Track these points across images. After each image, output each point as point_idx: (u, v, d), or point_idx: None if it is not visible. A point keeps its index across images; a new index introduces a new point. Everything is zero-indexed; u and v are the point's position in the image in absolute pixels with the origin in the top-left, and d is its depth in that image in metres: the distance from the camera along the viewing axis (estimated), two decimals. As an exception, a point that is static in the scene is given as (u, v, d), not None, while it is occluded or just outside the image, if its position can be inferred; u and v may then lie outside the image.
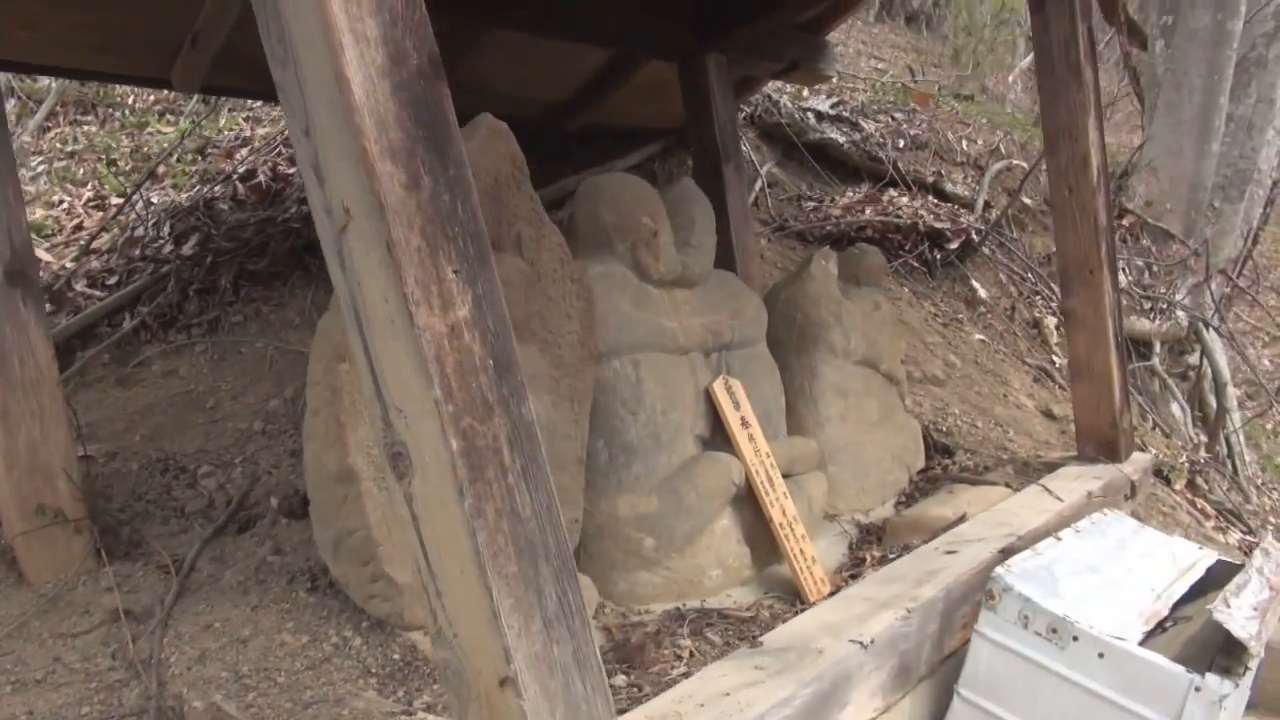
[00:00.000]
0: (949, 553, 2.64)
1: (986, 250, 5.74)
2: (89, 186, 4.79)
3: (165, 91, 5.77)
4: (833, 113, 6.15)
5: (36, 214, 4.51)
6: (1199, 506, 4.71)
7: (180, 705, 1.91)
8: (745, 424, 2.94)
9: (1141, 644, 2.15)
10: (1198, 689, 1.94)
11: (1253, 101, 7.00)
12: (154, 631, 2.13)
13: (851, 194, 5.66)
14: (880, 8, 14.71)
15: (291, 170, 4.58)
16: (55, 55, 3.59)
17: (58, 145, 5.36)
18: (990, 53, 12.14)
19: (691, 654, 2.37)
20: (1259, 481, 7.02)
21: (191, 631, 2.15)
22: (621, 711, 1.82)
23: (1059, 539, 2.55)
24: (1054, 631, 2.12)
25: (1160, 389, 6.47)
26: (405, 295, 1.32)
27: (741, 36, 4.31)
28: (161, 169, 4.84)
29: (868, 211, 5.40)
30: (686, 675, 2.00)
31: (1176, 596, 2.45)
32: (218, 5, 3.23)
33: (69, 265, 4.06)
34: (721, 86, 4.38)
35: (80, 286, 3.89)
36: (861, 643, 2.04)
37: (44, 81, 5.81)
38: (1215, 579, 2.53)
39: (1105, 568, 2.47)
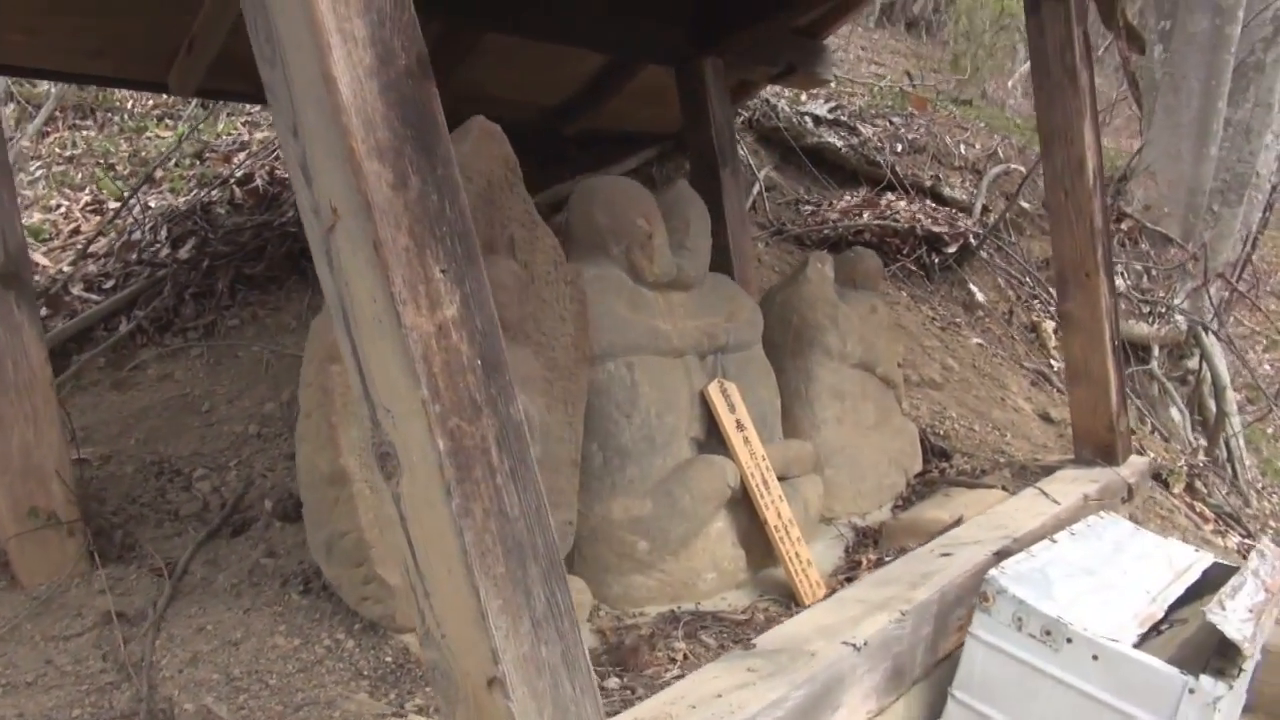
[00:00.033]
0: (944, 555, 2.63)
1: (984, 254, 5.74)
2: (87, 191, 4.80)
3: (164, 96, 5.78)
4: (830, 117, 6.16)
5: (34, 218, 4.51)
6: (1198, 510, 4.70)
7: (171, 708, 1.90)
8: (740, 427, 2.94)
9: (1136, 646, 2.15)
10: (1192, 691, 1.93)
11: (1251, 106, 7.01)
12: (146, 634, 2.13)
13: (849, 198, 5.66)
14: (880, 13, 14.74)
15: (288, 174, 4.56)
16: (52, 59, 3.60)
17: (56, 150, 5.36)
18: (989, 58, 12.15)
19: (685, 657, 2.36)
20: (1259, 486, 7.01)
21: (184, 634, 2.15)
22: (613, 713, 1.81)
23: (1054, 541, 2.54)
24: (1048, 633, 2.11)
25: (1159, 393, 6.46)
26: (392, 295, 1.32)
27: (738, 41, 4.32)
28: (159, 173, 4.85)
29: (865, 215, 5.40)
30: (680, 678, 1.99)
31: (1172, 599, 2.44)
32: (214, 9, 3.24)
33: (66, 269, 4.06)
34: (718, 91, 4.38)
35: (77, 290, 3.89)
36: (854, 645, 2.03)
37: (43, 86, 5.82)
38: (1212, 582, 2.52)
39: (1100, 570, 2.46)
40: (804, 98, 6.32)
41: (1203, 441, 6.59)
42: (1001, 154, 6.72)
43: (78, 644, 2.14)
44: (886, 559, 2.91)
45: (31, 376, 2.42)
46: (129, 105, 5.80)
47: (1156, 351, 6.33)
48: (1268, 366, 9.98)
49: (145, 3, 3.20)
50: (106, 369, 3.56)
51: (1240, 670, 1.98)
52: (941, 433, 4.04)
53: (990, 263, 5.76)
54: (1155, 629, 2.36)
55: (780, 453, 3.09)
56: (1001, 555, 2.54)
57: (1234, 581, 2.34)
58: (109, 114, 5.64)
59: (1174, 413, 6.43)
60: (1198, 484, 5.01)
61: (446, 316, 1.38)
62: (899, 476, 3.72)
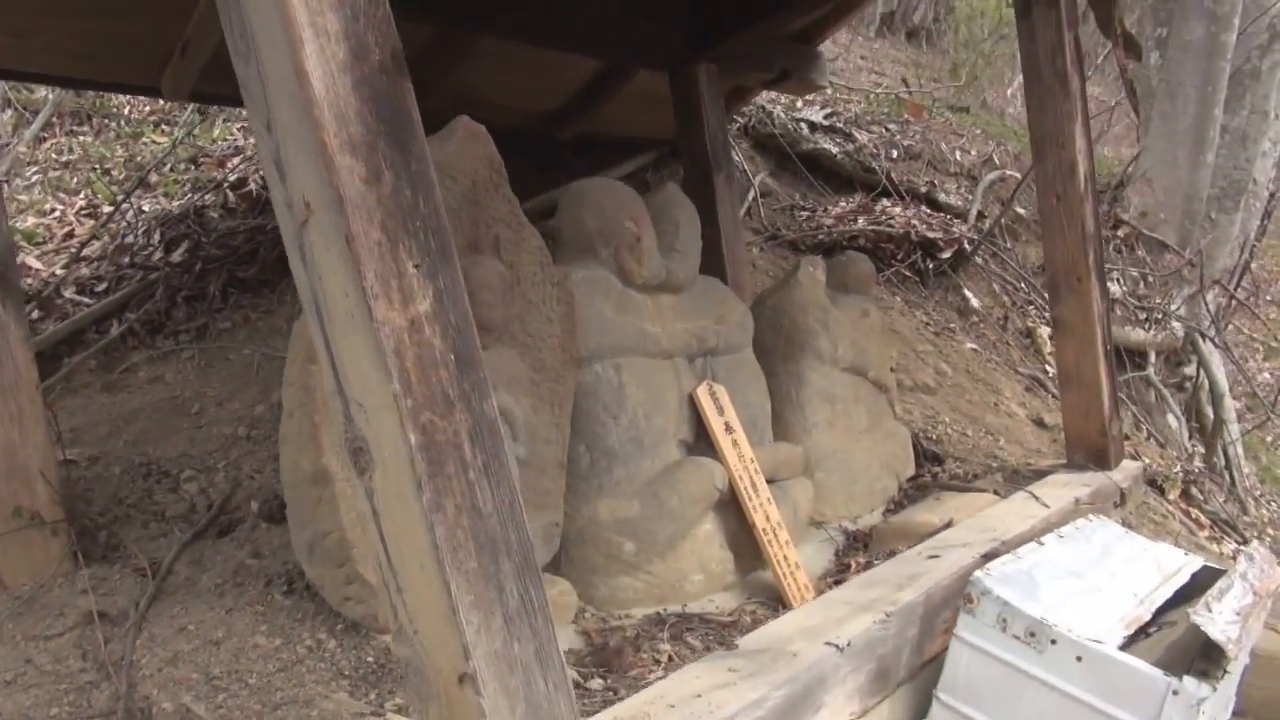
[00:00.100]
0: (931, 558, 2.63)
1: (979, 260, 5.74)
2: (81, 195, 4.81)
3: (161, 102, 5.80)
4: (826, 123, 6.16)
5: (28, 222, 4.53)
6: (1193, 516, 4.69)
7: (149, 706, 1.89)
8: (729, 429, 2.93)
9: (1122, 648, 2.13)
10: (1175, 692, 1.92)
11: (1247, 113, 7.02)
12: (127, 634, 2.12)
13: (844, 204, 5.66)
14: (881, 23, 14.78)
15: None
16: (46, 63, 3.61)
17: (53, 155, 5.38)
18: (988, 66, 12.18)
19: (671, 658, 2.35)
20: (1257, 493, 6.99)
21: (165, 634, 2.14)
22: (594, 713, 1.81)
23: (1041, 544, 2.54)
24: (1032, 635, 2.10)
25: (1156, 400, 6.45)
26: (364, 289, 1.32)
27: (732, 46, 4.32)
28: (154, 178, 4.86)
29: (860, 221, 5.40)
30: (664, 679, 1.98)
31: (1160, 602, 2.44)
32: (208, 12, 3.25)
33: (58, 272, 4.07)
34: (712, 96, 4.39)
35: (69, 293, 3.90)
36: (837, 645, 2.02)
37: (41, 92, 5.84)
38: (1201, 585, 2.51)
39: (1088, 572, 2.45)
40: (799, 104, 6.33)
41: (1200, 448, 6.58)
42: (997, 160, 6.72)
43: (58, 643, 2.13)
44: (876, 562, 2.90)
45: (17, 377, 2.42)
46: (126, 111, 5.82)
47: (1153, 358, 6.32)
48: (1267, 374, 9.97)
49: (138, 6, 3.21)
50: (97, 371, 3.56)
51: (1224, 672, 1.97)
52: (934, 437, 4.04)
53: (985, 268, 5.76)
54: (1143, 632, 2.36)
55: (769, 456, 3.08)
56: (989, 558, 2.53)
57: (1221, 584, 2.33)
58: (106, 120, 5.66)
59: (1170, 419, 6.42)
60: (1193, 490, 5.00)
61: (419, 311, 1.38)
62: (891, 480, 3.71)
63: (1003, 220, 5.98)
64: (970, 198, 6.16)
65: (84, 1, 3.14)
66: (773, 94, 6.03)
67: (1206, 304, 6.71)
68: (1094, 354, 3.57)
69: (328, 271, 1.36)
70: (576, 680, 2.20)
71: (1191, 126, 6.86)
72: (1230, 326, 8.64)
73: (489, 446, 1.43)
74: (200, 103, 4.76)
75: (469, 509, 1.39)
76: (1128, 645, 2.19)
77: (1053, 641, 2.08)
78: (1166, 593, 2.49)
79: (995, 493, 3.46)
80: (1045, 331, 5.62)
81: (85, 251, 4.25)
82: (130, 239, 4.23)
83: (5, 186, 5.00)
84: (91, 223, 4.52)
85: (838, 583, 2.88)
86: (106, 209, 4.66)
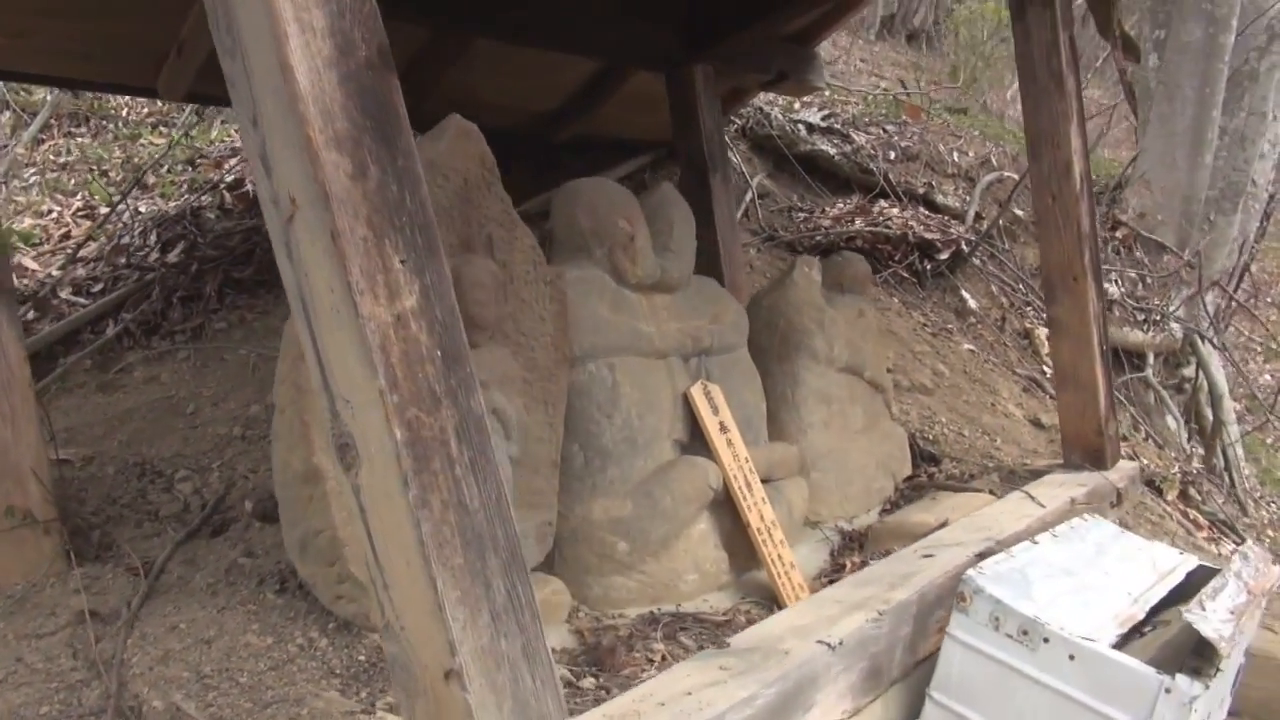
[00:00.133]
0: (925, 557, 2.62)
1: (977, 261, 5.73)
2: (78, 197, 4.81)
3: (159, 103, 5.81)
4: (824, 125, 6.16)
5: (25, 223, 4.53)
6: (1191, 517, 4.67)
7: (139, 705, 1.89)
8: (724, 429, 2.93)
9: (1116, 647, 2.13)
10: (1168, 690, 1.91)
11: (1245, 114, 7.02)
12: (118, 632, 2.12)
13: (842, 205, 5.66)
14: (881, 26, 14.79)
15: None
16: (41, 63, 3.62)
17: (51, 157, 5.39)
18: (988, 68, 12.18)
19: (664, 658, 2.35)
20: (1257, 495, 6.98)
21: (156, 632, 2.14)
22: (585, 711, 1.80)
23: (1035, 542, 2.53)
24: (1025, 633, 2.10)
25: (1155, 401, 6.44)
26: (350, 284, 1.32)
27: (729, 47, 4.33)
28: (152, 179, 4.87)
29: (858, 222, 5.40)
30: (655, 678, 1.98)
31: (1154, 600, 2.42)
32: (203, 14, 3.24)
33: (55, 273, 4.07)
34: (708, 97, 4.39)
35: (65, 294, 3.90)
36: (829, 644, 2.02)
37: (39, 94, 5.85)
38: (1196, 584, 2.50)
39: (1081, 571, 2.44)
40: (797, 105, 6.33)
41: (1199, 449, 6.57)
42: (995, 161, 6.72)
43: (50, 642, 2.13)
44: (871, 562, 2.90)
45: (10, 376, 2.42)
46: (124, 113, 5.83)
47: (1151, 359, 6.31)
48: (1268, 376, 9.95)
49: (134, 6, 3.22)
50: (93, 371, 3.56)
51: (1217, 670, 1.96)
52: (931, 437, 4.03)
53: (983, 269, 5.76)
54: (1138, 631, 2.35)
55: (764, 455, 3.08)
56: (983, 557, 2.52)
57: (1215, 582, 2.32)
58: (104, 121, 5.66)
59: (1169, 421, 6.41)
60: (1191, 491, 4.99)
61: (405, 307, 1.38)
62: (887, 481, 3.71)
63: (1000, 221, 5.97)
64: (968, 199, 6.16)
65: (80, 2, 3.15)
66: (770, 95, 6.03)
67: (1205, 305, 6.70)
68: (1090, 354, 3.56)
69: (313, 267, 1.36)
70: (568, 679, 2.20)
71: (1189, 128, 6.85)
72: (1230, 329, 8.63)
73: (476, 443, 1.43)
74: (196, 103, 4.77)
75: (455, 505, 1.39)
76: (1121, 644, 2.19)
77: (1045, 640, 2.07)
78: (1161, 591, 2.47)
79: (991, 493, 3.45)
80: (1043, 332, 5.61)
81: (82, 252, 4.25)
82: (126, 240, 4.23)
83: (3, 188, 5.01)
84: (88, 224, 4.52)
85: (832, 582, 2.88)
86: (103, 210, 4.66)
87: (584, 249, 2.90)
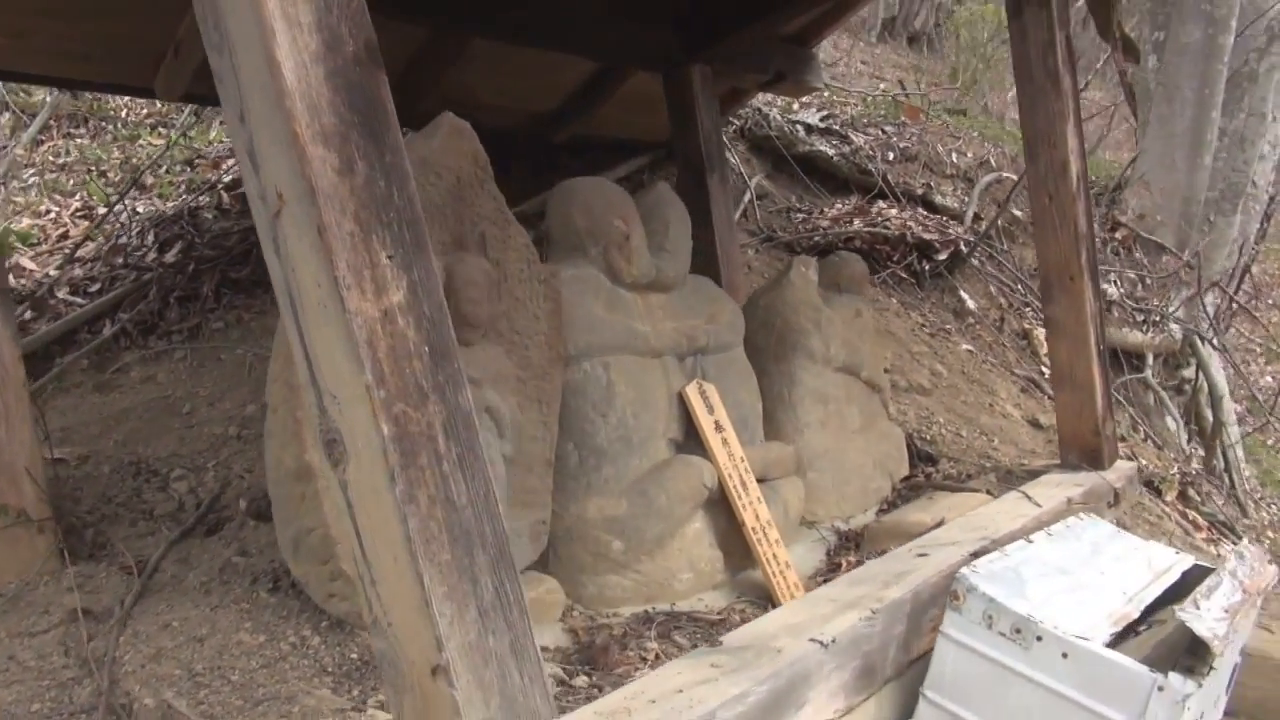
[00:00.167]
0: (920, 555, 2.61)
1: (976, 261, 5.73)
2: (77, 197, 4.82)
3: (158, 104, 5.82)
4: (822, 126, 6.17)
5: (23, 223, 4.54)
6: (1190, 518, 4.67)
7: (130, 702, 1.89)
8: (719, 428, 2.93)
9: (1110, 646, 2.12)
10: (1161, 689, 1.91)
11: (1245, 115, 7.01)
12: (111, 630, 2.12)
13: (840, 206, 5.66)
14: (882, 28, 14.81)
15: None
16: (38, 63, 3.62)
17: (50, 158, 5.40)
18: (988, 69, 12.19)
19: (658, 656, 2.35)
20: (1258, 496, 6.96)
21: (149, 630, 2.14)
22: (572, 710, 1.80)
23: (1030, 541, 2.53)
24: (1018, 632, 2.09)
25: (1155, 402, 6.43)
26: (336, 279, 1.32)
27: (727, 47, 4.33)
28: (150, 180, 4.87)
29: (856, 223, 5.40)
30: (646, 675, 1.98)
31: (1149, 600, 2.42)
32: (198, 13, 3.25)
33: (52, 273, 4.07)
34: (706, 97, 4.39)
35: (62, 294, 3.90)
36: (821, 642, 2.01)
37: (39, 96, 5.87)
38: (1192, 583, 2.49)
39: (1076, 570, 2.44)
40: (796, 106, 6.33)
41: (1200, 450, 6.56)
42: (994, 162, 6.72)
43: (43, 640, 2.13)
44: (867, 561, 2.89)
45: (4, 375, 2.42)
46: (123, 114, 5.84)
47: (1151, 360, 6.31)
48: (1270, 378, 9.93)
49: (132, 7, 3.22)
50: (89, 371, 3.57)
51: (1210, 668, 1.96)
52: (928, 438, 4.03)
53: (982, 270, 5.75)
54: (1134, 630, 2.34)
55: (760, 455, 3.07)
56: (978, 556, 2.52)
57: (1209, 581, 2.31)
58: (103, 122, 5.67)
59: (1169, 421, 6.40)
60: (1190, 492, 4.98)
61: (393, 302, 1.38)
62: (884, 481, 3.70)
63: (999, 222, 5.97)
64: (966, 200, 6.15)
65: (78, 3, 3.16)
66: (769, 96, 6.04)
67: (1204, 306, 6.70)
68: (1087, 354, 3.55)
69: (300, 263, 1.36)
70: (561, 677, 2.19)
71: (1189, 129, 6.85)
72: (1232, 330, 8.62)
73: (464, 439, 1.43)
74: (193, 103, 4.77)
75: (443, 501, 1.39)
76: (1116, 643, 2.18)
77: (1038, 638, 2.06)
78: (1156, 591, 2.47)
79: (988, 492, 3.45)
80: (1041, 333, 5.60)
81: (79, 253, 4.26)
82: (124, 240, 4.24)
83: (2, 189, 5.01)
84: (86, 224, 4.53)
85: (827, 582, 2.88)
86: (101, 211, 4.67)
87: (579, 248, 2.90)
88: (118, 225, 4.41)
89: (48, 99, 5.80)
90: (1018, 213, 6.13)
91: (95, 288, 3.94)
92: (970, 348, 5.02)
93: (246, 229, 4.18)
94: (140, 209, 4.59)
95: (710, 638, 2.43)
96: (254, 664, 2.02)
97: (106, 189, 4.92)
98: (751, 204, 5.51)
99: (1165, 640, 2.28)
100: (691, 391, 2.91)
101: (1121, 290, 6.25)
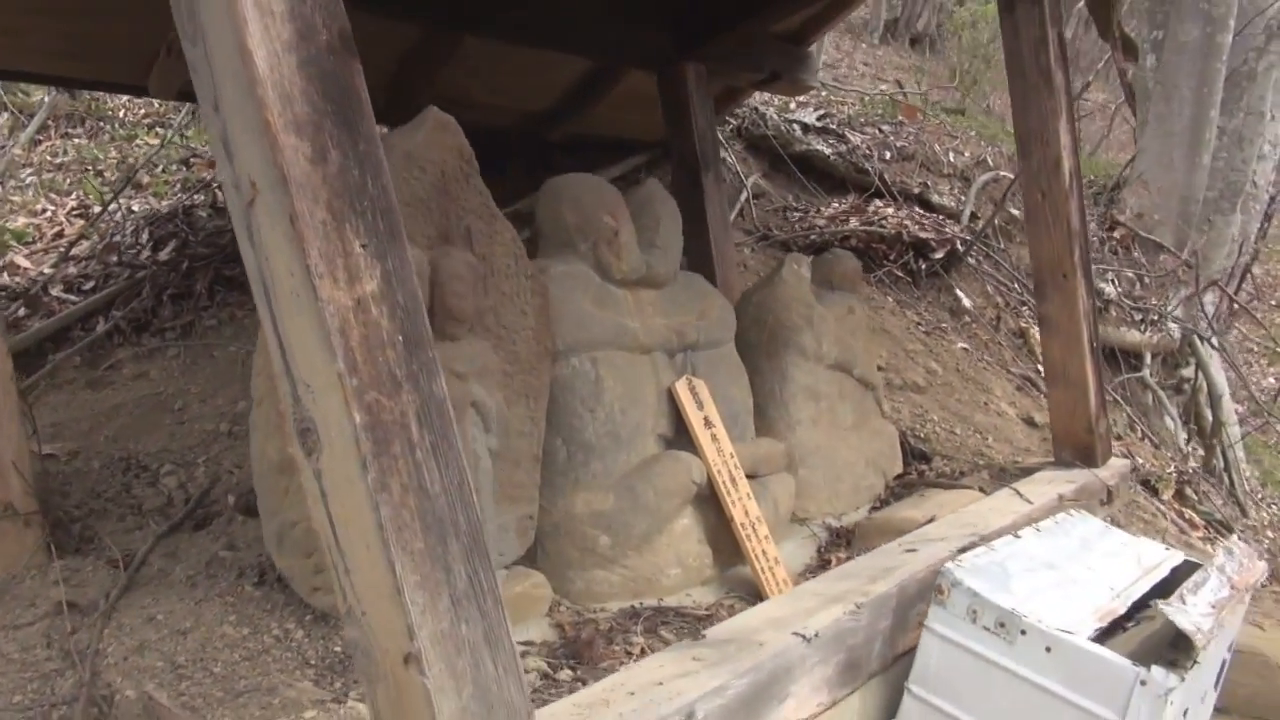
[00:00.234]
0: (908, 551, 2.61)
1: (972, 260, 5.73)
2: (73, 196, 4.83)
3: (155, 105, 5.84)
4: (819, 125, 6.16)
5: (19, 221, 4.55)
6: (1186, 517, 4.66)
7: (112, 694, 1.89)
8: (708, 424, 2.93)
9: (1096, 641, 2.12)
10: (1143, 682, 1.90)
11: (1243, 115, 7.00)
12: (95, 623, 2.12)
13: (837, 205, 5.66)
14: (884, 30, 14.83)
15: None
16: (33, 62, 3.64)
17: (48, 158, 5.42)
18: (989, 69, 12.19)
19: (643, 651, 2.35)
20: (1258, 496, 6.94)
21: (133, 623, 2.14)
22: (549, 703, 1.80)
23: (1018, 537, 2.52)
24: (1002, 626, 2.09)
25: (1153, 401, 6.42)
26: (309, 268, 1.32)
27: (721, 46, 4.33)
28: (146, 179, 4.89)
29: (852, 222, 5.39)
30: (627, 668, 1.98)
31: (1137, 595, 2.41)
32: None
33: (47, 271, 4.09)
34: (700, 96, 4.39)
35: (56, 291, 3.91)
36: (804, 636, 2.01)
37: (37, 96, 5.88)
38: (1181, 579, 2.49)
39: (1064, 565, 2.43)
40: (793, 106, 6.33)
41: (1199, 450, 6.54)
42: (991, 161, 6.71)
43: (27, 633, 2.13)
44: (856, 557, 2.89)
45: (-8, 370, 2.42)
46: (120, 114, 5.86)
47: (1149, 359, 6.29)
48: (1272, 379, 9.91)
49: (125, 5, 3.23)
50: (82, 368, 3.58)
51: (1194, 662, 1.95)
52: (922, 435, 4.02)
53: (978, 269, 5.75)
54: (1121, 626, 2.34)
55: (750, 451, 3.07)
56: (966, 552, 2.52)
57: (1197, 576, 2.31)
58: (100, 122, 5.69)
59: (1167, 421, 6.39)
60: (1188, 491, 4.97)
61: (366, 291, 1.38)
62: (877, 478, 3.70)
63: (996, 221, 5.96)
64: (963, 199, 6.15)
65: (72, 1, 3.16)
66: (766, 96, 6.04)
67: (1202, 305, 6.68)
68: (1080, 351, 3.55)
69: (274, 251, 1.36)
70: (546, 671, 2.20)
71: (1187, 128, 6.84)
72: (1235, 331, 8.60)
73: (438, 428, 1.43)
74: (187, 102, 4.78)
75: (416, 489, 1.39)
76: (1103, 638, 2.17)
77: (1022, 632, 2.06)
78: (1145, 587, 2.46)
79: (981, 490, 3.44)
80: (1038, 332, 5.59)
81: (74, 250, 4.27)
82: (119, 238, 4.25)
83: (0, 188, 5.03)
84: (82, 223, 4.54)
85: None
86: (97, 209, 4.68)
87: (569, 244, 2.90)
88: (113, 223, 4.43)
89: (45, 99, 5.82)
90: (1015, 211, 6.13)
91: (89, 285, 3.95)
92: (966, 346, 5.02)
93: (241, 227, 4.19)
94: (135, 207, 4.60)
95: (697, 633, 2.44)
96: (236, 656, 2.02)
97: (103, 188, 4.94)
98: (748, 203, 5.51)
99: (1152, 636, 2.28)
100: (681, 387, 2.91)
101: (1119, 289, 6.24)
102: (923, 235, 5.39)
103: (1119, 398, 5.58)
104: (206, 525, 2.69)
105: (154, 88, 3.70)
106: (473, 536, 1.44)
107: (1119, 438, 4.90)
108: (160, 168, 5.04)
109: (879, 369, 4.16)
